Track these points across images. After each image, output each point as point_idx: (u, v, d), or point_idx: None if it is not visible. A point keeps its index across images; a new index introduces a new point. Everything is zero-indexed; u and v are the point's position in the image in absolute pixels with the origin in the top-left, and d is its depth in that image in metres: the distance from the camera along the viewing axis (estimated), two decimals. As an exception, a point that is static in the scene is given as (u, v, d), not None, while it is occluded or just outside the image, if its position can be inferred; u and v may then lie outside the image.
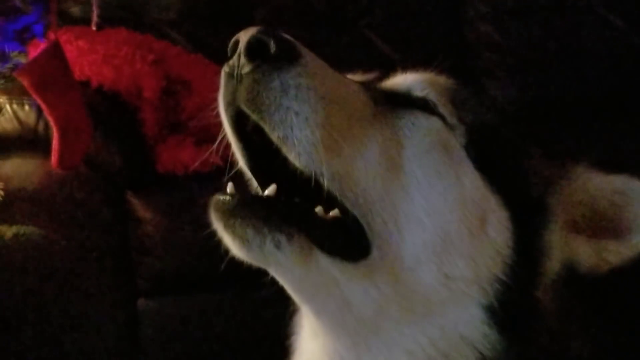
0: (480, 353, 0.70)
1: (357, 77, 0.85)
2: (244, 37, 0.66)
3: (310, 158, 0.65)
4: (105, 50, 1.96)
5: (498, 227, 0.72)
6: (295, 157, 0.65)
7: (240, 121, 0.70)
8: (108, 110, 1.87)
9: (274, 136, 0.66)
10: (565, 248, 0.75)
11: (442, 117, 0.75)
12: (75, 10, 2.18)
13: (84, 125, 1.66)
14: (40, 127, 1.73)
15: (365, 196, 0.69)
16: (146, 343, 1.86)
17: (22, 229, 1.60)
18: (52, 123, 1.59)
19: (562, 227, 0.76)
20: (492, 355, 0.71)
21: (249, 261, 0.69)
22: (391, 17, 2.39)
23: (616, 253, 0.74)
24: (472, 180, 0.73)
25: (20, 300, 1.79)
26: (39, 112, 1.71)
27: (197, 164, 1.71)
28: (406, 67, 0.83)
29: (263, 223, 0.65)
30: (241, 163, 0.74)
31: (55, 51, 1.58)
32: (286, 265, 0.68)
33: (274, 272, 0.72)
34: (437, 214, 0.71)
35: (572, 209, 0.77)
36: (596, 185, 0.77)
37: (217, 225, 0.68)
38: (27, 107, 1.73)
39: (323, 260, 0.67)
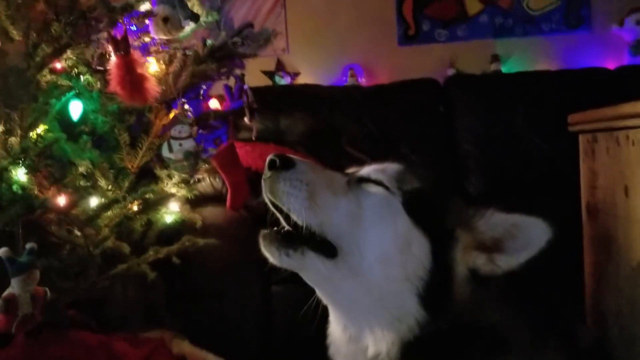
0: (417, 322, 0.92)
1: (354, 169, 1.12)
2: (267, 158, 1.00)
3: (301, 218, 0.94)
4: (260, 152, 2.65)
5: (419, 248, 0.94)
6: (296, 218, 0.96)
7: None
8: (258, 182, 2.35)
9: (284, 208, 0.97)
10: (466, 259, 0.95)
11: (386, 188, 0.99)
12: (245, 133, 2.84)
13: (244, 187, 2.26)
14: (224, 190, 2.33)
15: (337, 233, 0.95)
16: (277, 317, 2.43)
17: (210, 241, 2.05)
18: (227, 185, 2.21)
19: (464, 246, 0.94)
20: (423, 324, 0.92)
21: (279, 266, 0.98)
22: (419, 142, 3.33)
23: (505, 263, 0.93)
24: (403, 221, 0.95)
25: (201, 282, 2.28)
26: (223, 181, 2.32)
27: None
28: (381, 160, 1.10)
29: (280, 244, 0.96)
30: (280, 218, 1.02)
31: (231, 149, 2.18)
32: (294, 265, 0.97)
33: (295, 270, 0.99)
34: (380, 241, 0.94)
35: (480, 235, 0.96)
36: (499, 219, 0.95)
37: (261, 245, 0.99)
38: (217, 179, 2.42)
39: (311, 257, 0.95)
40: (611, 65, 3.73)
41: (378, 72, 4.01)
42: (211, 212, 2.36)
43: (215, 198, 2.40)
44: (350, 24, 4.00)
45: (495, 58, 4.02)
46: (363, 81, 3.95)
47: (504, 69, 4.01)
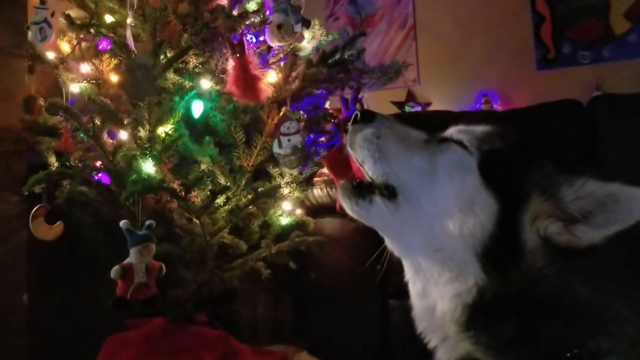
0: (477, 284, 0.89)
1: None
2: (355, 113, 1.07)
3: (374, 170, 1.00)
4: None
5: (482, 209, 0.91)
6: (368, 170, 1.02)
7: None
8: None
9: (359, 160, 1.03)
10: (537, 226, 0.88)
11: (465, 147, 0.98)
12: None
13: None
14: (340, 199, 2.46)
15: (403, 184, 0.99)
16: (393, 330, 2.39)
17: (319, 239, 2.20)
18: (336, 186, 1.86)
19: (537, 212, 0.88)
20: (483, 288, 0.88)
21: (352, 215, 1.03)
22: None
23: (588, 236, 0.84)
24: (472, 181, 0.94)
25: (321, 294, 2.48)
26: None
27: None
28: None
29: (352, 193, 1.02)
30: (364, 171, 1.04)
31: (341, 150, 1.70)
32: (363, 213, 1.02)
33: (366, 222, 1.02)
34: (441, 197, 0.95)
35: (567, 204, 0.88)
36: (592, 188, 0.87)
37: (339, 196, 1.05)
38: (333, 189, 2.43)
39: (376, 203, 0.99)
40: None
41: (515, 98, 3.85)
42: (329, 223, 2.42)
43: (333, 209, 2.32)
44: (484, 50, 3.93)
45: (650, 78, 3.65)
46: (498, 108, 3.81)
47: (661, 89, 3.60)
